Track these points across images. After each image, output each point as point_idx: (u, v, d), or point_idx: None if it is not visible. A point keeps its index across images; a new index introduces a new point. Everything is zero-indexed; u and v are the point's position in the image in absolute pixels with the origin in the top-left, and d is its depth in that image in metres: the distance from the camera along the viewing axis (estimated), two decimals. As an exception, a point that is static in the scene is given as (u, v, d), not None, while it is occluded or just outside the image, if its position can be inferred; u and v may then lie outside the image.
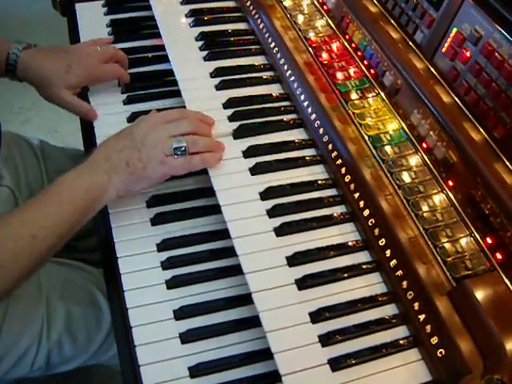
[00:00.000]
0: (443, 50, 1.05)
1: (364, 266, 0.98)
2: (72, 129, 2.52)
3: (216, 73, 1.25)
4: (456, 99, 1.03)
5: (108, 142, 1.06)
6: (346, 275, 0.97)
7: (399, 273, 0.94)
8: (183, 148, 1.03)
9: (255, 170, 1.09)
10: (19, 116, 2.79)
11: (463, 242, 0.95)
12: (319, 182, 1.09)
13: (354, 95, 1.15)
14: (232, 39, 1.35)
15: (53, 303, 1.19)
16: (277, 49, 1.27)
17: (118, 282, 1.02)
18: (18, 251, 0.93)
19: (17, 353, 1.15)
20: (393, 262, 0.95)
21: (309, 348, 0.89)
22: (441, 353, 0.86)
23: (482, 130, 0.98)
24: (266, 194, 1.06)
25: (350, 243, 1.01)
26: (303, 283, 0.95)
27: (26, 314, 1.16)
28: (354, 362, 0.88)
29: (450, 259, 0.93)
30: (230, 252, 1.01)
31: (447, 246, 0.94)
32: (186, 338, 0.95)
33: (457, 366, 0.84)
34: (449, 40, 1.04)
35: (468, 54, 1.00)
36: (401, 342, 0.91)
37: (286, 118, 1.19)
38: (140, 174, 1.02)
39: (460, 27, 1.02)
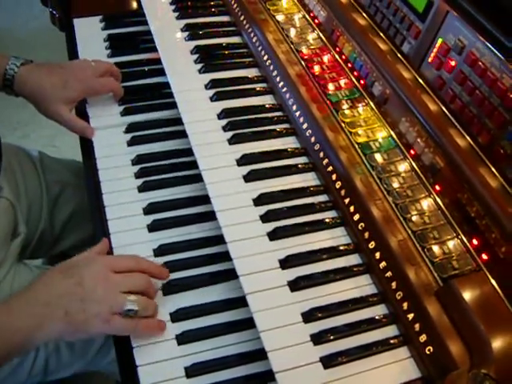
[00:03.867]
0: (429, 59, 1.09)
1: (355, 268, 1.01)
2: (70, 143, 2.55)
3: (211, 85, 1.29)
4: (442, 107, 1.06)
5: (51, 279, 0.95)
6: (337, 277, 1.00)
7: (388, 274, 0.97)
8: (135, 311, 0.94)
9: (249, 178, 1.12)
10: (17, 131, 2.81)
11: (450, 243, 0.98)
12: (311, 188, 1.12)
13: (344, 105, 1.19)
14: (226, 52, 1.39)
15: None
16: (270, 61, 1.31)
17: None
18: None
19: (14, 360, 1.16)
20: (382, 264, 0.98)
21: (301, 346, 0.92)
22: (429, 350, 0.89)
23: (467, 136, 1.02)
24: (259, 200, 1.09)
25: (340, 246, 1.04)
26: (295, 285, 0.98)
27: None
28: (345, 359, 0.90)
29: (437, 260, 0.96)
30: (225, 257, 1.04)
31: (435, 247, 0.97)
32: (182, 339, 0.98)
33: (444, 362, 0.87)
34: (434, 50, 1.08)
35: (453, 63, 1.04)
36: (391, 340, 0.94)
37: (278, 127, 1.23)
38: (78, 327, 0.92)
39: (445, 38, 1.06)
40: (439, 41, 1.07)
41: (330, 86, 1.22)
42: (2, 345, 0.90)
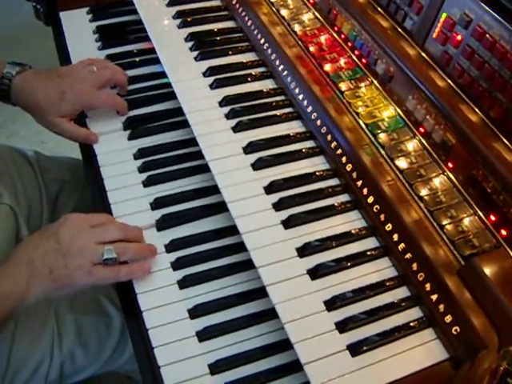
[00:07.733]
0: (434, 35, 1.07)
1: (373, 252, 1.00)
2: (59, 138, 2.50)
3: (209, 72, 1.26)
4: (450, 82, 1.04)
5: (30, 242, 0.99)
6: (356, 262, 0.99)
7: (408, 256, 0.96)
8: (113, 258, 0.98)
9: (257, 165, 1.10)
10: (4, 129, 2.76)
11: (468, 221, 0.97)
12: (321, 172, 1.10)
13: (348, 85, 1.17)
14: (221, 38, 1.36)
15: (62, 316, 1.19)
16: (267, 45, 1.28)
17: (129, 286, 1.02)
18: None
19: (30, 368, 1.15)
20: (401, 246, 0.97)
21: (327, 336, 0.91)
22: (456, 330, 0.88)
23: (478, 110, 1.00)
24: (270, 188, 1.07)
25: (357, 230, 1.02)
26: (315, 273, 0.97)
27: (35, 328, 1.16)
28: (372, 345, 0.89)
29: (456, 239, 0.95)
30: (240, 248, 1.03)
31: (453, 226, 0.96)
32: (203, 335, 0.96)
33: (472, 341, 0.86)
34: (439, 25, 1.05)
35: (459, 37, 1.02)
36: (415, 323, 0.93)
37: (282, 112, 1.20)
38: (63, 282, 0.96)
39: (449, 12, 1.03)
40: (443, 15, 1.04)
41: (332, 67, 1.20)
42: None
